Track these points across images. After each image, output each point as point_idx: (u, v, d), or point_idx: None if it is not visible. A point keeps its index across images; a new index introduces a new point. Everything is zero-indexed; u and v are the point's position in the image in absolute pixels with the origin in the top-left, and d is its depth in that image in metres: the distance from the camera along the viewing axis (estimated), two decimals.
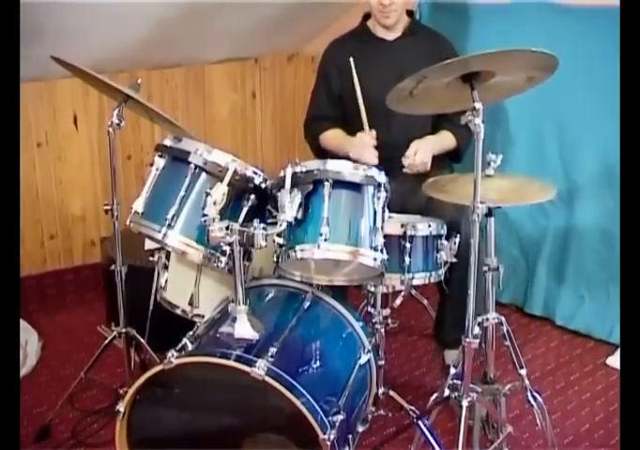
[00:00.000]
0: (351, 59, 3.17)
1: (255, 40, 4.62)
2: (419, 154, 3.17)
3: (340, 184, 2.44)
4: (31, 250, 4.14)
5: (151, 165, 2.67)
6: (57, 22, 3.47)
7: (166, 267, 2.97)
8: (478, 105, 2.35)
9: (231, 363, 2.21)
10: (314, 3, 4.33)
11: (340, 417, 2.27)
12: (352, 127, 3.39)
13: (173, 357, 2.26)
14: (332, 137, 3.50)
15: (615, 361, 3.58)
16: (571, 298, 3.90)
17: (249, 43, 4.63)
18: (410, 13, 3.51)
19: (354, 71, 3.13)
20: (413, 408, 2.93)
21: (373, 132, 3.16)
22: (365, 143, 3.15)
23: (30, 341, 3.63)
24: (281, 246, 2.47)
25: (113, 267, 2.98)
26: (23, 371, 3.45)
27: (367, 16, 3.52)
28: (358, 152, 3.17)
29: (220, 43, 4.48)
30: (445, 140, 3.41)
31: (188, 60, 4.51)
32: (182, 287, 2.89)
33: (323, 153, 3.52)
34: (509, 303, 4.13)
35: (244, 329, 2.36)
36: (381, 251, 2.46)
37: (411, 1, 3.48)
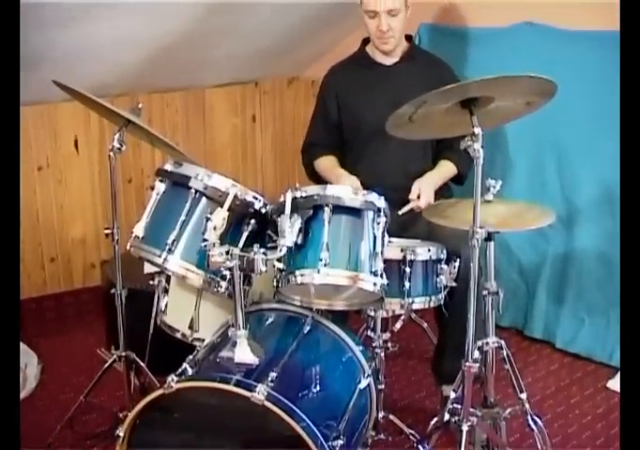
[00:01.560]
0: None
1: (255, 64, 4.64)
2: (423, 196, 3.13)
3: (340, 209, 2.44)
4: (31, 273, 4.15)
5: (152, 189, 2.68)
6: (59, 47, 3.50)
7: (166, 291, 2.97)
8: (477, 130, 2.37)
9: (231, 388, 2.20)
10: (314, 28, 4.36)
11: (340, 442, 2.26)
12: (349, 154, 3.42)
13: (173, 382, 2.25)
14: (324, 165, 3.51)
15: (615, 384, 3.57)
16: (572, 321, 3.89)
17: (249, 67, 4.65)
18: (409, 38, 3.53)
19: None
20: (413, 432, 2.93)
21: (357, 182, 3.15)
22: None
23: (30, 364, 3.62)
24: (280, 270, 2.47)
25: (113, 291, 2.99)
26: (23, 394, 3.44)
27: (366, 41, 3.53)
28: None
29: (221, 67, 4.50)
30: (445, 171, 3.40)
31: (188, 84, 4.54)
32: (182, 311, 2.89)
33: (318, 178, 3.53)
34: (509, 326, 4.12)
35: (244, 354, 2.35)
36: (381, 276, 2.47)
37: (410, 25, 3.47)
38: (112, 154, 2.79)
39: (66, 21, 3.30)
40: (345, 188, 2.52)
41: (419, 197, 3.12)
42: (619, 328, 3.49)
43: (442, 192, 3.35)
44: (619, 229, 3.42)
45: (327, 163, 3.50)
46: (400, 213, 3.03)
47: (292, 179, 4.96)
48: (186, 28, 3.76)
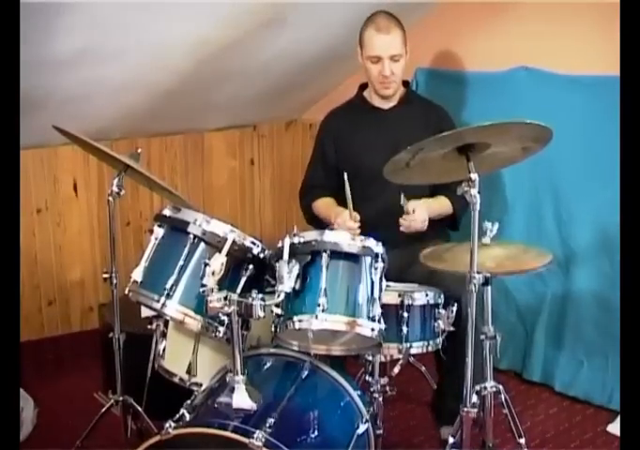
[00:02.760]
0: None
1: (254, 108, 4.68)
2: (418, 211, 3.16)
3: (337, 254, 2.45)
4: (29, 316, 4.14)
5: (150, 232, 2.69)
6: (59, 92, 3.53)
7: (164, 335, 2.96)
8: (474, 176, 2.39)
9: (229, 434, 2.20)
10: (313, 72, 4.40)
11: None
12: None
13: (170, 427, 2.25)
14: (322, 205, 3.54)
15: (615, 428, 3.54)
16: (570, 364, 3.88)
17: (247, 111, 4.69)
18: (405, 83, 3.56)
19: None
20: None
21: (357, 217, 3.16)
22: (346, 227, 3.13)
23: (26, 408, 3.59)
24: (278, 316, 2.47)
25: (111, 335, 2.99)
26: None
27: (363, 86, 3.58)
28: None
29: (220, 111, 4.54)
30: (441, 204, 3.42)
31: (187, 127, 4.57)
32: (180, 355, 2.88)
33: (316, 221, 3.56)
34: (507, 369, 4.10)
35: (242, 399, 2.34)
36: (378, 321, 2.46)
37: (406, 70, 3.51)
38: (110, 198, 2.81)
39: (65, 65, 3.33)
40: (343, 234, 2.54)
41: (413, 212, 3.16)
42: (618, 371, 3.48)
43: (439, 236, 3.37)
44: (617, 271, 3.45)
45: (325, 203, 3.53)
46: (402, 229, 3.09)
47: (290, 222, 4.97)
48: (187, 72, 3.80)
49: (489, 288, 2.63)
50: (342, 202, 3.43)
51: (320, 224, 3.46)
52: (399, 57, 3.32)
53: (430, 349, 2.88)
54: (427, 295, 2.84)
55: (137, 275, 2.62)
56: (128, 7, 3.09)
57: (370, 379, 2.93)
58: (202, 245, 2.57)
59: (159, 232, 2.66)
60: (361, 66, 3.45)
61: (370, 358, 2.88)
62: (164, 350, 2.96)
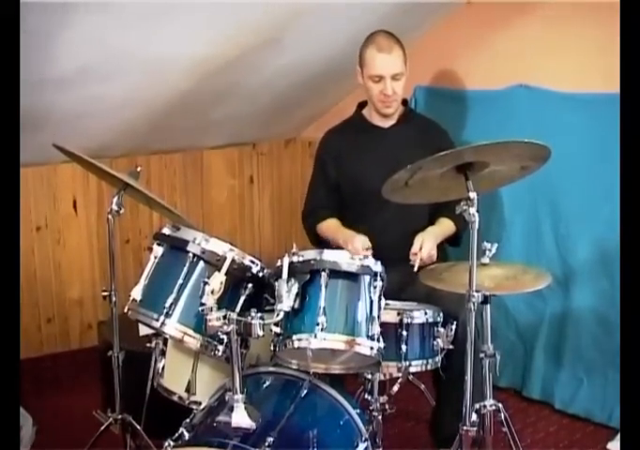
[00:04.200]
0: None
1: (253, 126, 4.70)
2: (425, 247, 3.12)
3: (336, 273, 2.46)
4: (28, 333, 4.14)
5: (149, 250, 2.70)
6: (58, 110, 3.54)
7: (163, 353, 2.96)
8: (472, 195, 2.40)
9: None
10: (311, 90, 4.42)
11: None
12: (348, 215, 3.44)
13: (169, 446, 2.25)
14: (328, 227, 3.50)
15: (615, 446, 3.53)
16: (570, 382, 3.87)
17: (247, 129, 4.71)
18: (404, 101, 3.57)
19: None
20: None
21: (369, 243, 3.12)
22: (356, 251, 3.05)
23: (24, 426, 3.57)
24: (278, 335, 2.47)
25: (110, 353, 2.98)
26: None
27: (362, 104, 3.58)
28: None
29: (219, 129, 4.55)
30: (445, 228, 3.40)
31: (187, 145, 4.58)
32: (179, 374, 2.87)
33: (321, 243, 3.52)
34: (507, 387, 4.10)
35: (241, 418, 2.34)
36: (377, 340, 2.47)
37: (405, 88, 3.52)
38: (110, 217, 2.82)
39: (65, 83, 3.34)
40: (342, 253, 2.54)
41: (421, 249, 3.13)
42: (618, 388, 3.47)
43: (438, 255, 3.37)
44: (616, 289, 3.45)
45: (331, 225, 3.50)
46: (415, 269, 3.02)
47: (289, 240, 4.97)
48: (187, 90, 3.81)
49: (488, 306, 2.63)
50: (345, 222, 3.44)
51: (325, 246, 3.43)
52: (400, 76, 3.33)
53: (429, 367, 2.88)
54: (426, 314, 2.84)
55: (136, 293, 2.62)
56: (127, 26, 3.11)
57: (369, 397, 2.92)
58: (201, 263, 2.57)
59: (158, 250, 2.66)
60: (360, 84, 3.46)
61: (369, 376, 2.88)
62: (163, 368, 2.95)
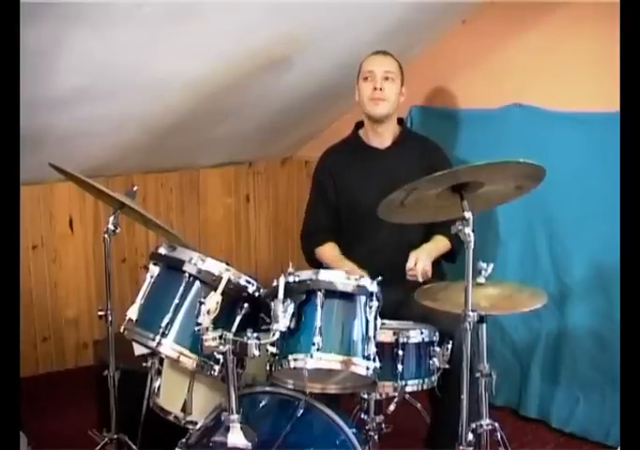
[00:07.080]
0: None
1: (249, 145, 4.71)
2: (420, 263, 3.14)
3: (332, 293, 2.46)
4: (24, 352, 4.11)
5: (145, 269, 2.70)
6: (55, 129, 3.55)
7: (159, 373, 2.96)
8: (467, 214, 2.40)
9: None
10: (307, 110, 4.44)
11: None
12: (345, 234, 3.45)
13: None
14: (328, 254, 3.49)
15: None
16: (567, 400, 3.87)
17: (243, 148, 4.72)
18: (400, 121, 3.58)
19: None
20: None
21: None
22: None
23: (20, 445, 3.57)
24: (274, 355, 2.46)
25: (105, 372, 2.98)
26: None
27: (359, 124, 3.59)
28: None
29: (215, 148, 4.57)
30: (440, 245, 3.40)
31: (183, 164, 4.60)
32: (175, 393, 2.86)
33: (317, 265, 3.51)
34: (503, 405, 4.08)
35: (237, 438, 2.33)
36: (373, 360, 2.47)
37: (401, 108, 3.54)
38: (106, 236, 2.82)
39: (62, 103, 3.36)
40: (338, 273, 2.54)
41: (416, 265, 3.14)
42: (615, 407, 3.46)
43: (434, 273, 3.37)
44: (613, 308, 3.46)
45: (330, 252, 3.49)
46: (420, 281, 3.05)
47: (285, 258, 4.99)
48: (183, 110, 3.83)
49: (484, 325, 2.64)
50: (342, 241, 3.44)
51: (321, 266, 3.44)
52: (392, 76, 3.36)
53: (425, 386, 2.87)
54: (422, 333, 2.84)
55: (132, 313, 2.62)
56: (125, 47, 3.12)
57: (365, 417, 2.92)
58: (197, 283, 2.57)
59: (154, 270, 2.66)
60: (356, 103, 3.47)
61: (365, 396, 2.88)
62: (159, 388, 2.94)
